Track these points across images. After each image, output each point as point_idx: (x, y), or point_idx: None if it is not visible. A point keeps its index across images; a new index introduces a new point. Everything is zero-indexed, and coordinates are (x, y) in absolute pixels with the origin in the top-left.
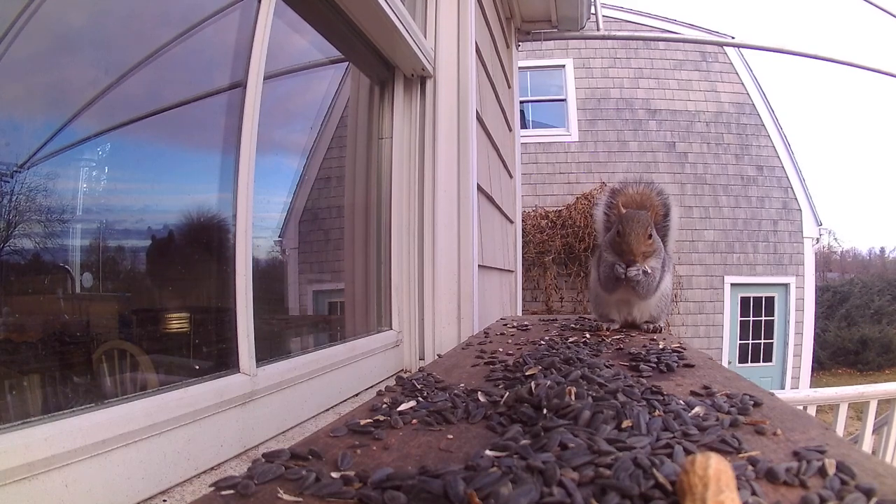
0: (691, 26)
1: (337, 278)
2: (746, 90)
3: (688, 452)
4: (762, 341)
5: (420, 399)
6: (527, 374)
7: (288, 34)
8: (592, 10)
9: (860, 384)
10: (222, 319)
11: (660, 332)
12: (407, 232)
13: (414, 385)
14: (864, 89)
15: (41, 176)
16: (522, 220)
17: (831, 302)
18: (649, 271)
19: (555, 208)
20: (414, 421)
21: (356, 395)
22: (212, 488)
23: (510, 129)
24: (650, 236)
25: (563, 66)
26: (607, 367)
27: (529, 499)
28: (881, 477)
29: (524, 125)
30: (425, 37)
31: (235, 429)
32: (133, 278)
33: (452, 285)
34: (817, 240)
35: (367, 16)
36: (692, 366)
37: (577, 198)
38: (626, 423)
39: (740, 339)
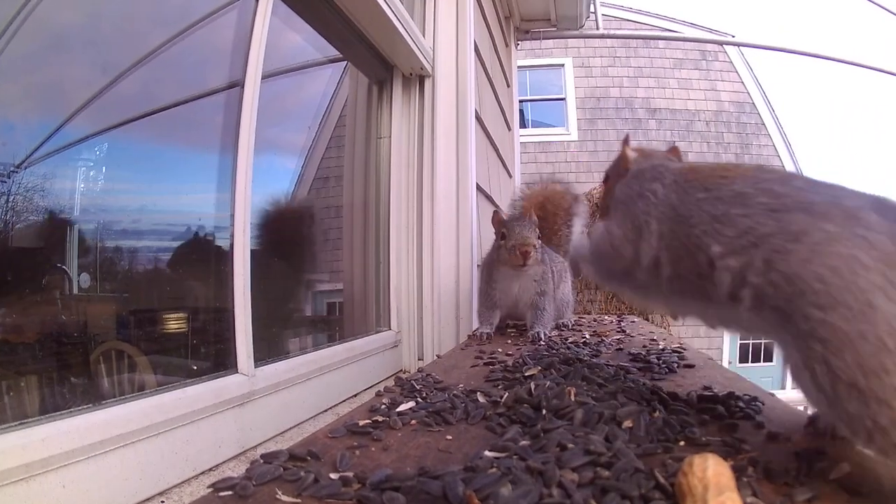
0: (691, 25)
1: (335, 278)
2: (747, 89)
3: (687, 453)
4: (763, 341)
5: (419, 399)
6: (526, 374)
7: (286, 33)
8: (592, 9)
9: None
10: (220, 319)
11: None
12: (406, 231)
13: (413, 385)
14: (864, 88)
15: (38, 176)
16: None
17: None
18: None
19: None
20: (413, 422)
21: (355, 395)
22: (210, 489)
23: (509, 129)
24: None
25: (563, 64)
26: (607, 367)
27: (529, 500)
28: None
29: (523, 124)
30: (424, 36)
31: (233, 429)
32: (130, 279)
33: (451, 285)
34: None
35: (365, 15)
36: (692, 366)
37: None
38: (626, 425)
39: (740, 339)
